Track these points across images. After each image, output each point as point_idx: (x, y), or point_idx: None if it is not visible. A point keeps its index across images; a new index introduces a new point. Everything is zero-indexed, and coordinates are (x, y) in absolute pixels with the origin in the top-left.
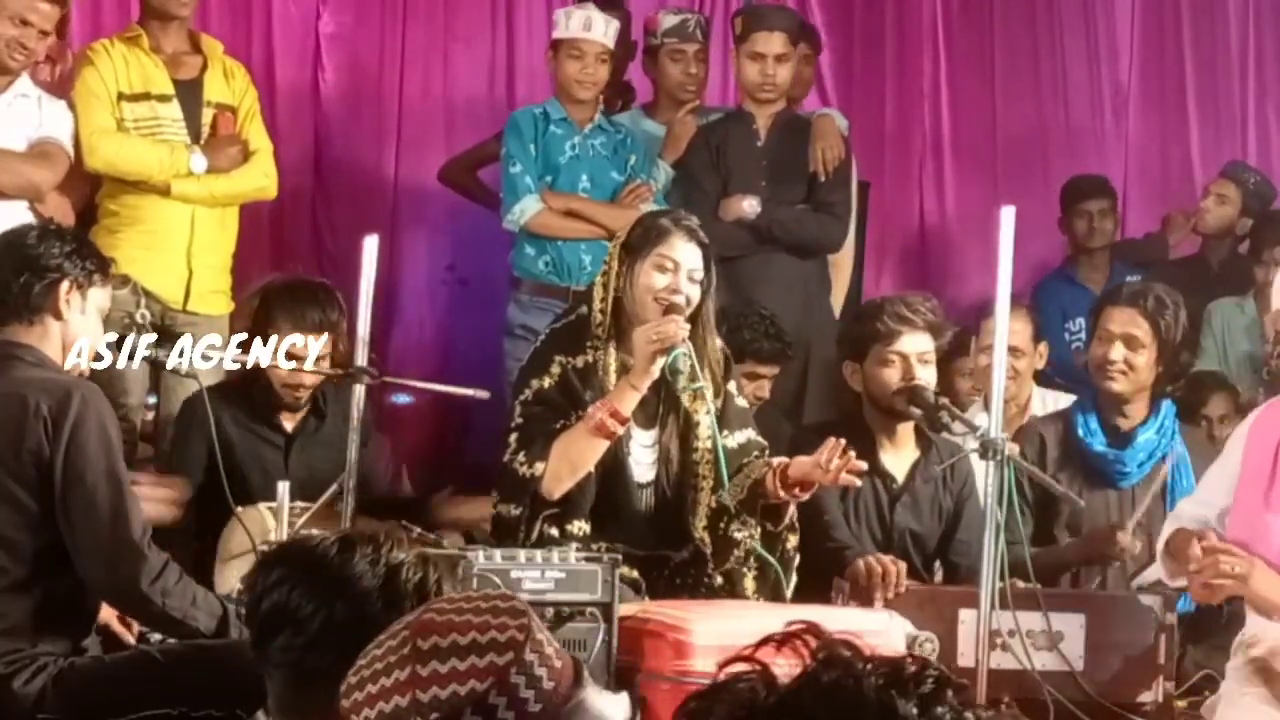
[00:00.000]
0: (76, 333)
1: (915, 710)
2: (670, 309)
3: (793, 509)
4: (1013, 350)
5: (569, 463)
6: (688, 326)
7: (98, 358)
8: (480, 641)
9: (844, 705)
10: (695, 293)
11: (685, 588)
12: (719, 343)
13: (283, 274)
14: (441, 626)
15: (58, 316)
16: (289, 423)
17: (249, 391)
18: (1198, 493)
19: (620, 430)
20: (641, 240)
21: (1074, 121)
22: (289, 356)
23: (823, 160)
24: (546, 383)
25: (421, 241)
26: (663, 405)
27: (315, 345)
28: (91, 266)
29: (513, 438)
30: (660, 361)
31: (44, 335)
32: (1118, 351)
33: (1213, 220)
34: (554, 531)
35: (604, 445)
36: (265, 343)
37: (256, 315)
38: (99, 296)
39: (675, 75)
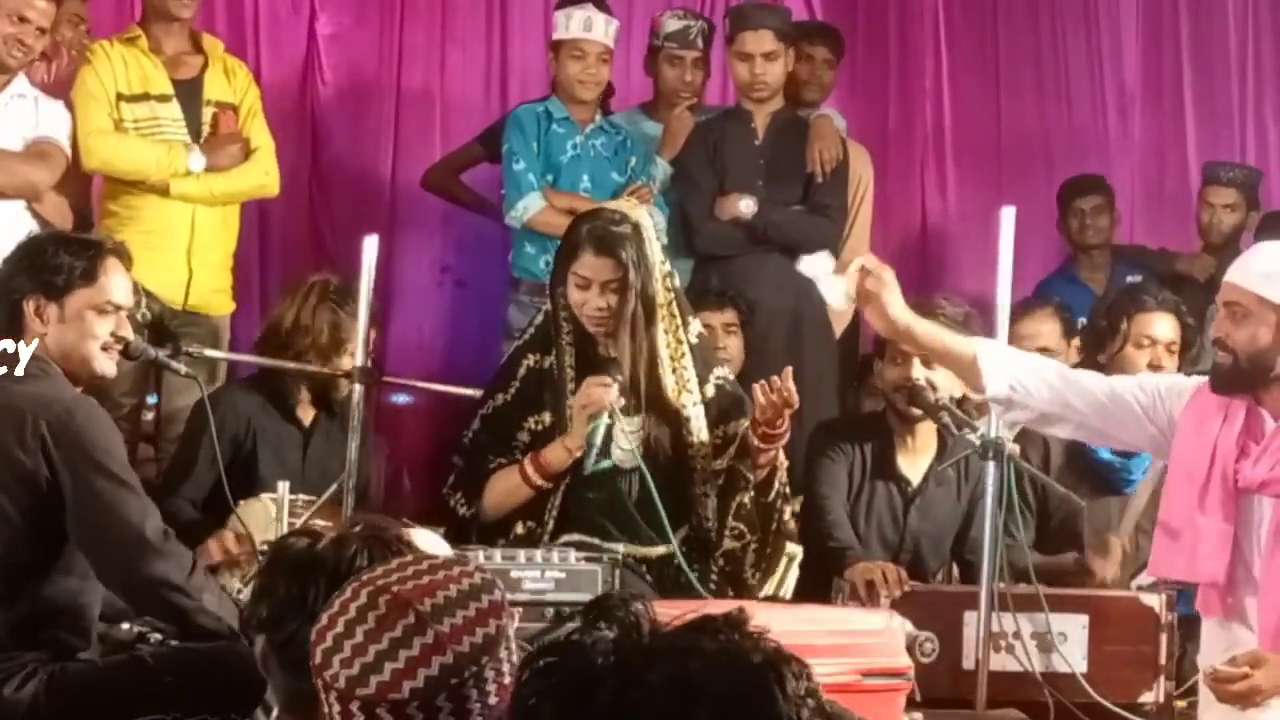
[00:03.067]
0: (64, 343)
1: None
2: (593, 320)
3: (782, 476)
4: (1045, 351)
5: (498, 508)
6: (615, 392)
7: (124, 346)
8: (465, 589)
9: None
10: (612, 300)
11: (681, 587)
12: (666, 285)
13: (326, 277)
14: (422, 590)
15: (37, 334)
16: (306, 417)
17: (273, 386)
18: (1111, 381)
19: (544, 484)
20: (564, 254)
21: (1076, 121)
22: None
23: (820, 161)
24: (500, 400)
25: (419, 242)
26: (644, 391)
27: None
28: (63, 275)
29: (455, 463)
30: (592, 425)
31: (42, 348)
32: (1168, 359)
33: (1228, 229)
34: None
35: (530, 491)
36: (336, 346)
37: (332, 321)
38: (88, 297)
39: (671, 80)
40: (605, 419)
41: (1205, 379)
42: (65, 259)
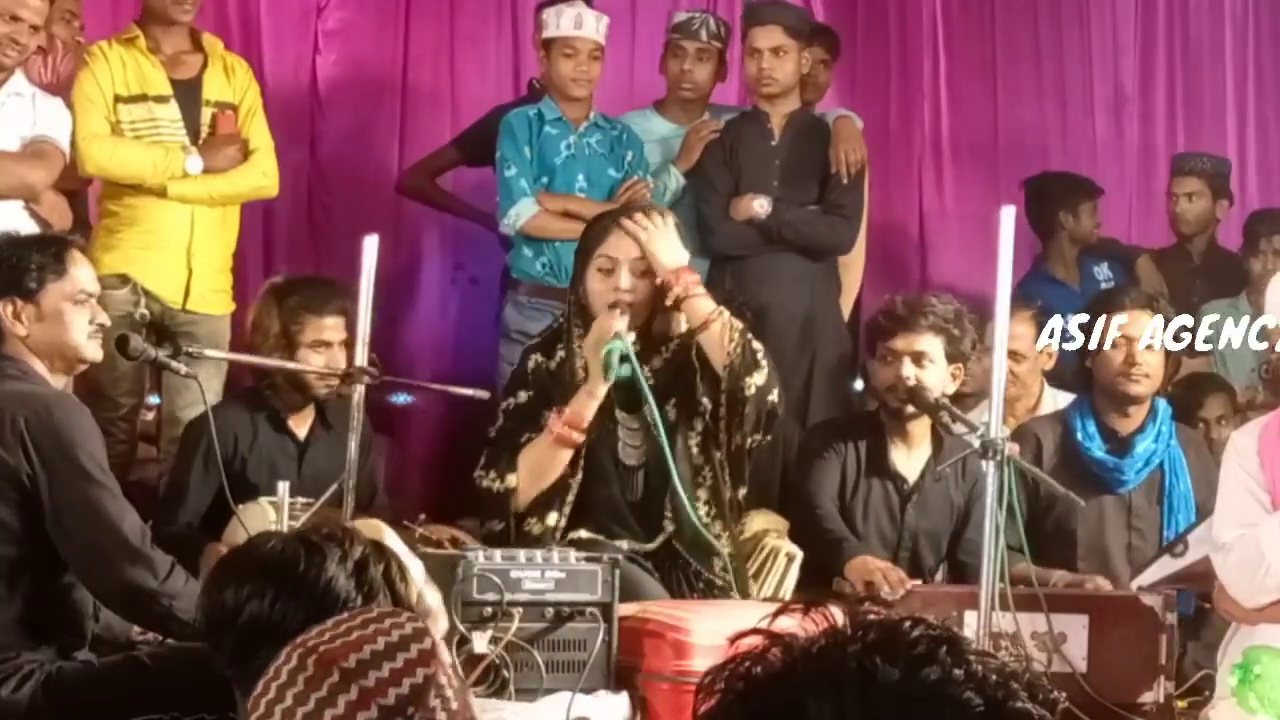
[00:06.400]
0: (46, 341)
1: (898, 675)
2: (615, 305)
3: None
4: (1013, 355)
5: (534, 476)
6: (624, 319)
7: (120, 338)
8: (394, 641)
9: (827, 672)
10: (642, 286)
11: (685, 581)
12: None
13: (283, 275)
14: (348, 647)
15: (17, 336)
16: (301, 429)
17: (263, 397)
18: (1234, 518)
19: (579, 439)
20: (587, 244)
21: (1073, 122)
22: (317, 345)
23: (845, 163)
24: (523, 397)
25: (425, 241)
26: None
27: (338, 332)
28: (33, 274)
29: (484, 454)
30: (605, 349)
31: (18, 348)
32: (1145, 356)
33: (1193, 218)
34: (531, 527)
35: (568, 454)
36: (289, 342)
37: (278, 316)
38: (62, 291)
39: (673, 71)
40: (617, 344)
41: (1257, 426)
42: (33, 257)
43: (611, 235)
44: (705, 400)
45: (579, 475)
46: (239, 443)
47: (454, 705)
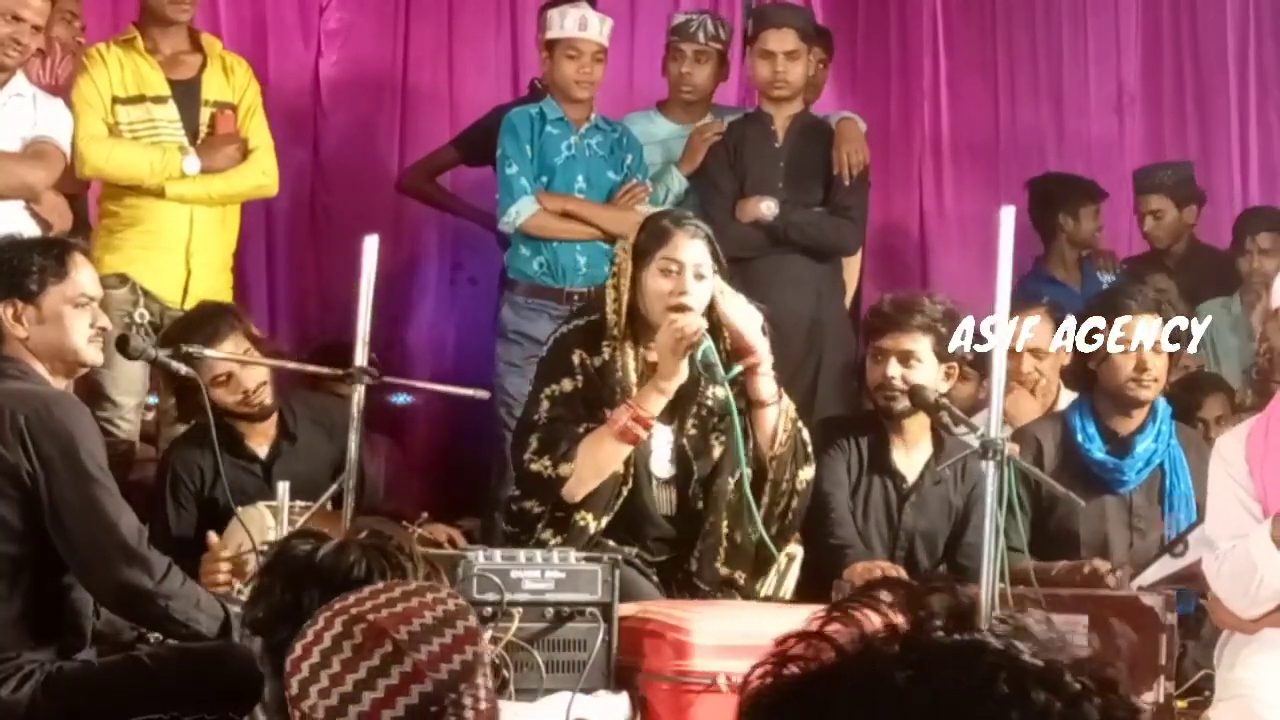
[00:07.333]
0: (46, 343)
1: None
2: (679, 309)
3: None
4: (1035, 352)
5: (594, 467)
6: (704, 321)
7: (119, 338)
8: (440, 616)
9: (870, 699)
10: (704, 290)
11: (691, 587)
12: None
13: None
14: (396, 618)
15: (17, 338)
16: (262, 449)
17: (219, 428)
18: (1225, 527)
19: (645, 435)
20: (646, 244)
21: (1074, 123)
22: (217, 381)
23: (847, 164)
24: (568, 385)
25: (426, 240)
26: (680, 401)
27: (233, 348)
28: (34, 276)
29: (534, 438)
30: (685, 360)
31: (19, 350)
32: (1154, 361)
33: (1164, 233)
34: (560, 516)
35: (628, 449)
36: (196, 387)
37: (167, 381)
38: (63, 294)
39: (673, 73)
40: (704, 344)
41: (1243, 430)
42: (34, 260)
43: (675, 238)
44: (746, 471)
45: (630, 483)
46: (204, 475)
47: (490, 685)
